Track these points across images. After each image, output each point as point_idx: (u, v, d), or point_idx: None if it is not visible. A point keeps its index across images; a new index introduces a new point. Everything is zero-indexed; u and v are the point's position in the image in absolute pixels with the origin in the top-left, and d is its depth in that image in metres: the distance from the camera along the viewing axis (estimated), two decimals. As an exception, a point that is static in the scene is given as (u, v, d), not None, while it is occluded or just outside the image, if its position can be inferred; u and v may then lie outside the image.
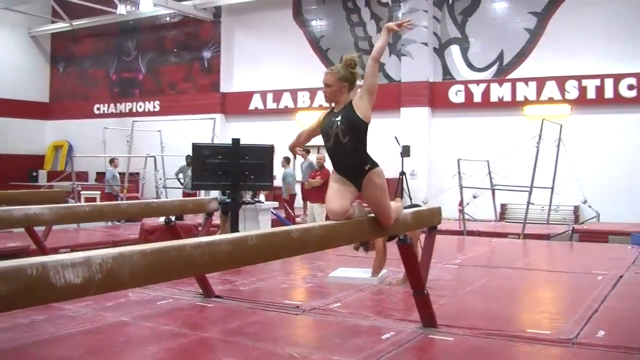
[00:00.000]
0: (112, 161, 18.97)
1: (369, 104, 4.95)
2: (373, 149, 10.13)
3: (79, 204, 7.53)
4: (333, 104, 5.09)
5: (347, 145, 4.92)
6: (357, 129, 4.92)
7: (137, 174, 20.49)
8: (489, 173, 17.01)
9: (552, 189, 15.77)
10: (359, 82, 5.10)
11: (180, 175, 19.30)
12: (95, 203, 9.05)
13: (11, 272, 2.38)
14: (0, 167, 25.48)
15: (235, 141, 10.57)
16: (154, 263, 3.02)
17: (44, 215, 5.80)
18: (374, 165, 5.01)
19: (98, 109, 27.29)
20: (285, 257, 4.08)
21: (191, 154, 18.21)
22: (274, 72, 22.76)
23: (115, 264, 2.81)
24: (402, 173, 17.56)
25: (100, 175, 22.63)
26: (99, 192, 18.93)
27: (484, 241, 13.31)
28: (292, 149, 5.55)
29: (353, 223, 4.78)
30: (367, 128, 4.97)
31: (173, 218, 6.91)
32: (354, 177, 4.99)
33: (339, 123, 4.92)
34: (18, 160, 26.90)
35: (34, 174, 26.88)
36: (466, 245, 12.78)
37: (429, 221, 5.78)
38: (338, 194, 4.97)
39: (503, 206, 18.61)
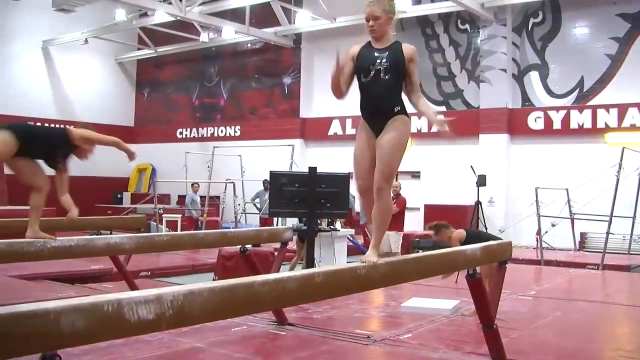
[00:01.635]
0: (192, 185, 19.36)
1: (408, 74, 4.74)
2: (449, 177, 10.07)
3: (157, 234, 7.78)
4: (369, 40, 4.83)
5: (385, 83, 4.67)
6: (401, 70, 4.69)
7: (218, 197, 20.87)
8: (568, 201, 16.79)
9: (634, 218, 15.49)
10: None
11: (257, 200, 19.56)
12: (173, 233, 9.30)
13: (88, 309, 2.56)
14: (87, 189, 26.13)
15: (312, 170, 10.74)
16: (223, 300, 3.16)
17: (124, 244, 6.04)
18: (404, 111, 4.75)
19: (181, 133, 27.92)
20: (351, 294, 4.20)
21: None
22: (353, 98, 22.72)
23: (186, 301, 2.96)
24: (478, 202, 17.49)
25: (182, 199, 23.11)
26: (180, 216, 19.30)
27: (561, 271, 13.14)
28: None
29: (419, 259, 4.82)
30: (405, 74, 4.74)
31: (249, 246, 7.09)
32: (380, 119, 4.73)
33: (384, 59, 4.66)
34: (103, 182, 27.61)
35: (119, 196, 27.59)
36: (543, 275, 12.64)
37: (499, 255, 5.71)
38: (361, 165, 4.79)
39: (583, 235, 18.28)
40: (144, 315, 2.76)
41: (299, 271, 3.85)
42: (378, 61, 4.66)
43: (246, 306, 3.36)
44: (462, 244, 7.59)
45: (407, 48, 4.72)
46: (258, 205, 19.44)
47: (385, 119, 4.69)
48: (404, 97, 4.78)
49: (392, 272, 4.46)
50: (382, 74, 4.65)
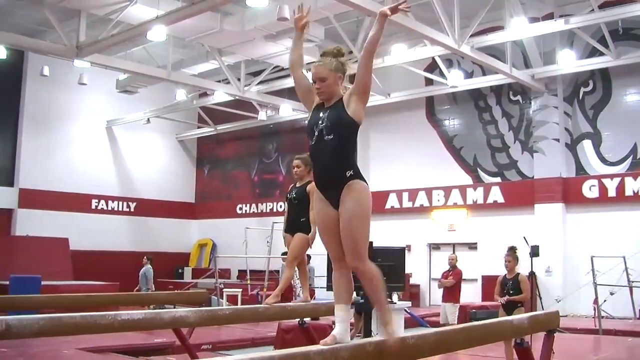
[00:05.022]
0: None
1: (360, 103, 4.36)
2: (506, 248, 10.18)
3: (219, 307, 8.08)
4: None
5: (329, 144, 4.30)
6: (344, 128, 4.32)
7: (277, 272, 21.19)
8: (626, 269, 16.72)
9: (693, 285, 15.39)
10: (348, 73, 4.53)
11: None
12: (234, 307, 9.58)
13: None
14: (149, 264, 26.77)
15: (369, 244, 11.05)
16: (283, 368, 3.50)
17: (188, 317, 6.38)
18: (359, 176, 4.34)
19: (240, 208, 28.44)
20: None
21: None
22: (409, 171, 23.19)
23: (250, 369, 3.30)
24: (532, 272, 17.54)
25: (242, 273, 23.41)
26: (241, 290, 19.62)
27: (620, 340, 13.09)
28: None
29: (466, 329, 5.02)
30: (356, 129, 4.39)
31: (308, 320, 7.38)
32: (333, 188, 4.33)
33: (325, 119, 4.34)
34: (165, 257, 28.06)
35: (180, 271, 28.02)
36: (601, 345, 12.64)
37: (546, 325, 5.82)
38: (325, 231, 4.44)
39: (642, 303, 18.10)
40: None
41: (352, 341, 4.14)
42: (320, 122, 4.38)
43: (302, 375, 3.68)
44: None
45: (345, 94, 4.43)
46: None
47: (337, 186, 4.31)
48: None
49: (440, 341, 4.68)
50: (325, 135, 4.33)
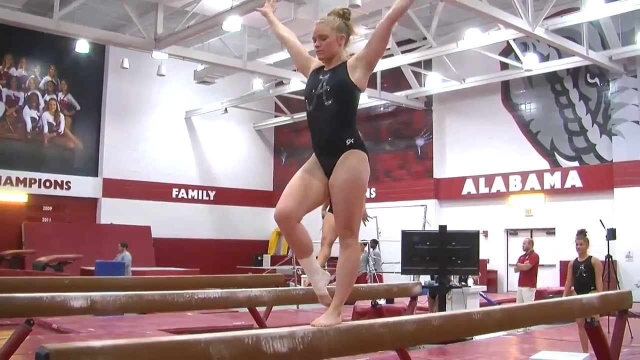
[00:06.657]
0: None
1: (367, 71, 4.03)
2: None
3: (293, 287, 8.39)
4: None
5: (329, 110, 3.98)
6: (346, 93, 4.01)
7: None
8: None
9: None
10: (352, 38, 4.21)
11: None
12: (308, 287, 9.69)
13: (232, 340, 3.10)
14: (228, 252, 27.24)
15: (442, 228, 11.14)
16: (347, 338, 3.62)
17: (263, 297, 6.58)
18: (359, 145, 4.02)
19: (318, 196, 28.62)
20: (466, 337, 4.50)
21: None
22: (485, 156, 23.06)
23: (315, 338, 3.44)
24: (608, 256, 17.24)
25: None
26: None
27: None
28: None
29: (533, 306, 5.04)
30: (358, 96, 4.06)
31: (382, 302, 7.50)
32: (330, 156, 4.01)
33: (325, 83, 4.03)
34: (244, 245, 28.64)
35: (259, 258, 28.47)
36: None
37: (618, 305, 5.72)
38: (291, 190, 4.04)
39: None
40: (279, 349, 3.26)
41: (418, 315, 4.24)
42: (319, 85, 4.06)
43: (368, 345, 3.80)
44: None
45: (351, 58, 4.09)
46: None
47: (335, 154, 4.00)
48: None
49: (506, 317, 4.70)
50: (324, 100, 4.01)
